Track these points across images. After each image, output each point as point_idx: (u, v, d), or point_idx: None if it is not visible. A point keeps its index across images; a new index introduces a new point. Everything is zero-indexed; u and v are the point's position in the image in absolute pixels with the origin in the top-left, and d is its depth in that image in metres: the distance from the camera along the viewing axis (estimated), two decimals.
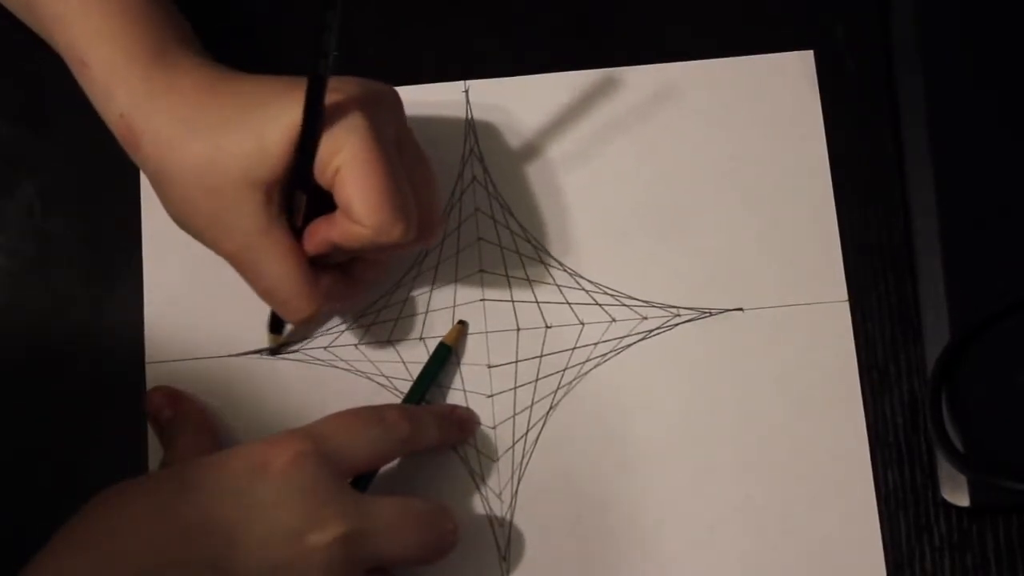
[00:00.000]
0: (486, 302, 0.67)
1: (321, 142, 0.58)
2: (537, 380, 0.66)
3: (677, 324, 0.67)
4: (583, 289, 0.67)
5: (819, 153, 0.69)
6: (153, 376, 0.66)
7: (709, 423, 0.66)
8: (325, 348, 0.67)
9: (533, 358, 0.66)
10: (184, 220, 0.61)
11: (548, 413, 0.66)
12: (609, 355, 0.66)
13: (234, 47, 0.64)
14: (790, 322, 0.67)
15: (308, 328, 0.66)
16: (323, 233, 0.60)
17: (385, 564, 0.59)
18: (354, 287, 0.64)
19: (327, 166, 0.58)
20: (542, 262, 0.68)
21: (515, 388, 0.66)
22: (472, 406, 0.66)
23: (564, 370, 0.66)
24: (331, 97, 0.57)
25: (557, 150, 0.69)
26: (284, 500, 0.56)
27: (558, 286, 0.67)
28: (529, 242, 0.68)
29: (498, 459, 0.65)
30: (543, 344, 0.67)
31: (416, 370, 0.66)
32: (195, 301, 0.67)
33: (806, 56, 0.70)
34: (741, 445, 0.65)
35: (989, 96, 0.68)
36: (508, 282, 0.67)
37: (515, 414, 0.66)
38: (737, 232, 0.68)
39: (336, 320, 0.67)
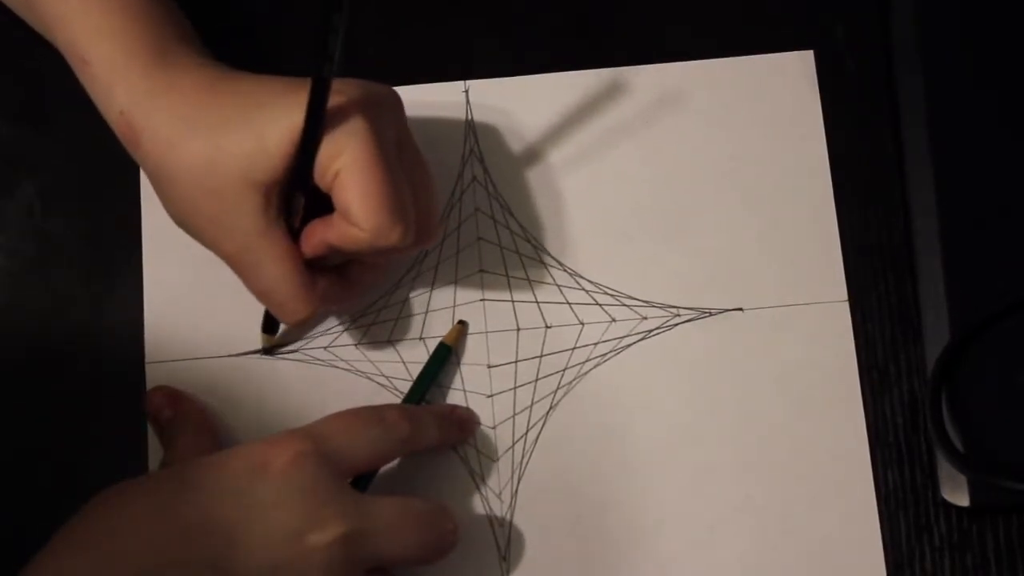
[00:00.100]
0: (486, 302, 0.67)
1: (322, 145, 0.58)
2: (537, 380, 0.66)
3: (677, 324, 0.67)
4: (583, 289, 0.67)
5: (819, 153, 0.69)
6: (153, 376, 0.66)
7: (709, 423, 0.66)
8: (325, 348, 0.67)
9: (533, 358, 0.66)
10: (183, 219, 0.61)
11: (548, 413, 0.66)
12: (609, 355, 0.66)
13: (234, 47, 0.64)
14: (790, 322, 0.67)
15: (302, 329, 0.66)
16: (320, 235, 0.60)
17: (385, 564, 0.59)
18: (350, 290, 0.64)
19: (327, 169, 0.58)
20: (542, 262, 0.68)
21: (515, 388, 0.66)
22: (472, 406, 0.66)
23: (564, 370, 0.66)
24: (332, 99, 0.57)
25: (557, 150, 0.69)
26: (284, 500, 0.56)
27: (558, 286, 0.67)
28: (529, 242, 0.68)
29: (498, 459, 0.65)
30: (543, 344, 0.67)
31: (416, 370, 0.66)
32: (195, 301, 0.67)
33: (806, 56, 0.70)
34: (741, 445, 0.65)
35: (989, 96, 0.68)
36: (508, 282, 0.67)
37: (515, 414, 0.66)
38: (737, 232, 0.68)
39: (336, 320, 0.67)
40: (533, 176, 0.69)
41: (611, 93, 0.69)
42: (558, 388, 0.66)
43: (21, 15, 0.65)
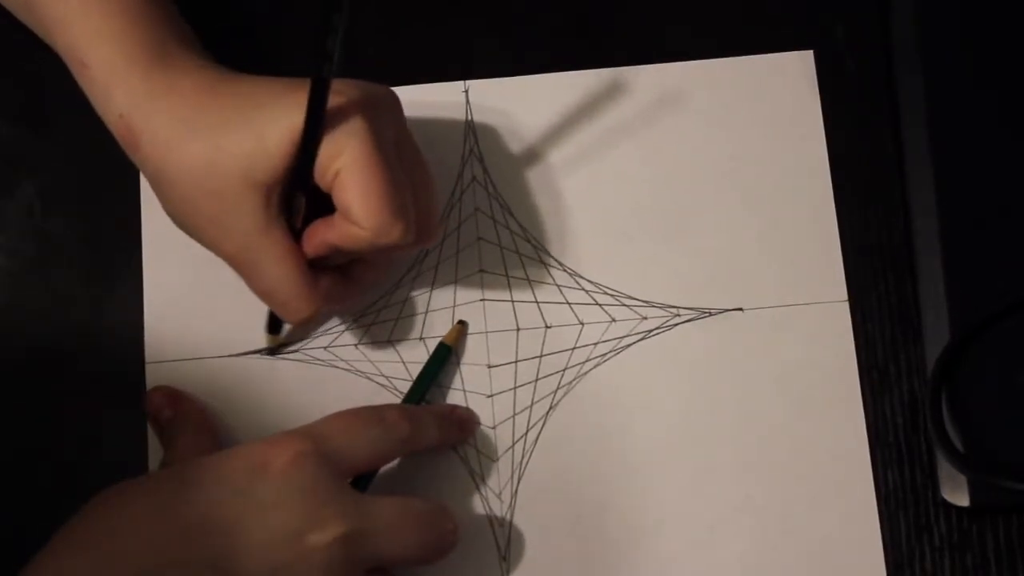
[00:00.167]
0: (486, 302, 0.67)
1: (321, 145, 0.58)
2: (537, 380, 0.66)
3: (677, 324, 0.67)
4: (583, 289, 0.67)
5: (819, 153, 0.69)
6: (153, 376, 0.66)
7: (709, 423, 0.66)
8: (325, 348, 0.67)
9: (533, 358, 0.66)
10: (184, 221, 0.61)
11: (548, 413, 0.66)
12: (609, 355, 0.66)
13: (234, 47, 0.64)
14: (790, 322, 0.67)
15: (306, 329, 0.66)
16: (322, 235, 0.60)
17: (385, 564, 0.59)
18: (353, 288, 0.64)
19: (327, 169, 0.58)
20: (542, 262, 0.68)
21: (515, 388, 0.66)
22: (472, 406, 0.66)
23: (564, 370, 0.66)
24: (332, 100, 0.57)
25: (557, 150, 0.69)
26: (284, 500, 0.56)
27: (558, 286, 0.67)
28: (529, 242, 0.68)
29: (498, 459, 0.65)
30: (543, 344, 0.67)
31: (416, 370, 0.66)
32: (195, 301, 0.67)
33: (806, 56, 0.70)
34: (741, 445, 0.65)
35: (989, 96, 0.68)
36: (508, 282, 0.67)
37: (515, 414, 0.66)
38: (737, 232, 0.68)
39: (336, 320, 0.67)
40: (533, 176, 0.69)
41: (611, 93, 0.69)
42: (558, 388, 0.66)
43: (20, 18, 0.65)
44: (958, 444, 0.64)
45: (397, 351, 0.66)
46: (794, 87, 0.69)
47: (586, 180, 0.68)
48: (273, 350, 0.66)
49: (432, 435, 0.63)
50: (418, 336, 0.67)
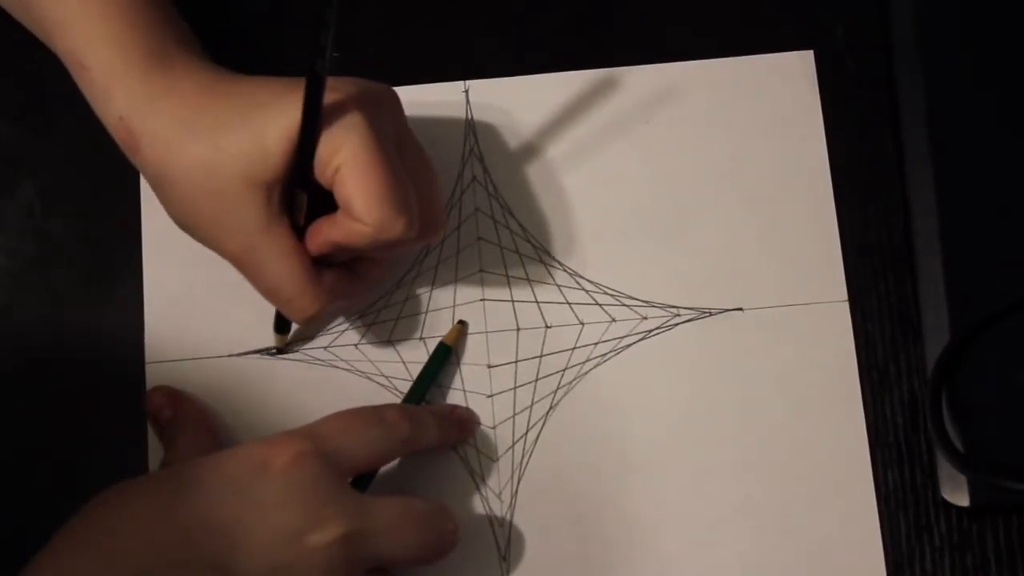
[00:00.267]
0: (486, 302, 0.67)
1: (320, 142, 0.58)
2: (537, 380, 0.66)
3: (677, 324, 0.67)
4: (583, 289, 0.67)
5: (819, 153, 0.69)
6: (153, 376, 0.66)
7: (709, 423, 0.66)
8: (325, 348, 0.67)
9: (533, 358, 0.66)
10: (185, 222, 0.61)
11: (548, 413, 0.66)
12: (609, 355, 0.66)
13: (234, 47, 0.65)
14: (790, 322, 0.67)
15: (313, 327, 0.66)
16: (325, 233, 0.60)
17: (385, 564, 0.59)
18: (358, 285, 0.64)
19: (327, 165, 0.58)
20: (542, 262, 0.68)
21: (515, 388, 0.66)
22: (472, 406, 0.66)
23: (564, 370, 0.66)
24: (329, 97, 0.57)
25: (557, 150, 0.69)
26: (284, 500, 0.56)
27: (558, 286, 0.67)
28: (529, 242, 0.68)
29: (498, 459, 0.65)
30: (543, 344, 0.67)
31: (416, 370, 0.66)
32: (195, 301, 0.67)
33: (806, 56, 0.70)
34: (741, 445, 0.65)
35: (989, 96, 0.68)
36: (508, 282, 0.67)
37: (515, 414, 0.66)
38: (737, 232, 0.68)
39: (336, 320, 0.67)
40: (533, 176, 0.69)
41: (611, 93, 0.69)
42: (558, 388, 0.66)
43: (19, 19, 0.65)
44: (958, 444, 0.64)
45: (397, 351, 0.66)
46: (794, 87, 0.69)
47: (586, 180, 0.68)
48: (281, 349, 0.66)
49: (432, 435, 0.63)
50: (418, 336, 0.67)
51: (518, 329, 0.67)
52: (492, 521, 0.64)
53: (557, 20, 0.71)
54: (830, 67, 0.70)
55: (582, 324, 0.67)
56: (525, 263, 0.68)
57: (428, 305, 0.67)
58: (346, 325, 0.67)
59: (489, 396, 0.66)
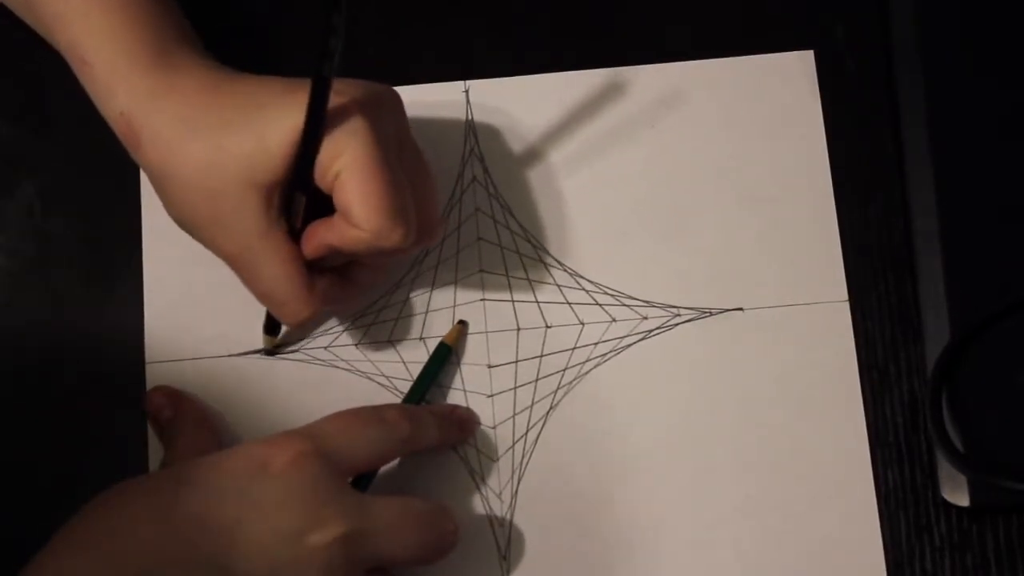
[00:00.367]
0: (486, 302, 0.67)
1: (322, 146, 0.58)
2: (537, 380, 0.66)
3: (677, 324, 0.67)
4: (583, 289, 0.67)
5: (819, 153, 0.69)
6: (153, 376, 0.66)
7: (709, 423, 0.66)
8: (325, 348, 0.67)
9: (533, 358, 0.66)
10: (184, 221, 0.61)
11: (548, 413, 0.66)
12: (609, 355, 0.66)
13: (234, 47, 0.64)
14: (790, 322, 0.67)
15: (304, 330, 0.66)
16: (321, 236, 0.60)
17: (385, 564, 0.59)
18: (351, 290, 0.64)
19: (328, 170, 0.58)
20: (542, 262, 0.68)
21: (515, 388, 0.66)
22: (472, 406, 0.66)
23: (564, 370, 0.66)
24: (333, 100, 0.57)
25: (557, 150, 0.69)
26: (284, 500, 0.56)
27: (558, 286, 0.67)
28: (529, 242, 0.68)
29: (498, 459, 0.65)
30: (543, 344, 0.67)
31: (416, 370, 0.66)
32: (195, 301, 0.67)
33: (806, 56, 0.70)
34: (741, 445, 0.65)
35: (989, 96, 0.68)
36: (508, 282, 0.67)
37: (515, 414, 0.66)
38: (737, 232, 0.68)
39: (336, 320, 0.67)
40: (533, 176, 0.69)
41: (611, 93, 0.69)
42: (558, 388, 0.66)
43: (21, 15, 0.65)
44: (958, 444, 0.64)
45: (397, 351, 0.66)
46: (794, 87, 0.69)
47: (586, 180, 0.68)
48: (271, 351, 0.66)
49: (432, 435, 0.63)
50: (418, 336, 0.67)
51: (518, 329, 0.67)
52: (492, 521, 0.64)
53: (557, 20, 0.71)
54: (830, 67, 0.70)
55: (582, 324, 0.67)
56: (525, 263, 0.68)
57: (428, 305, 0.67)
58: (346, 325, 0.67)
59: (489, 396, 0.66)
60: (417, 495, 0.62)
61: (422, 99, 0.68)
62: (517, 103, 0.69)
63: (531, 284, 0.67)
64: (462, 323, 0.67)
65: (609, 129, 0.69)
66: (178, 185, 0.60)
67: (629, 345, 0.66)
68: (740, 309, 0.67)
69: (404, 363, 0.66)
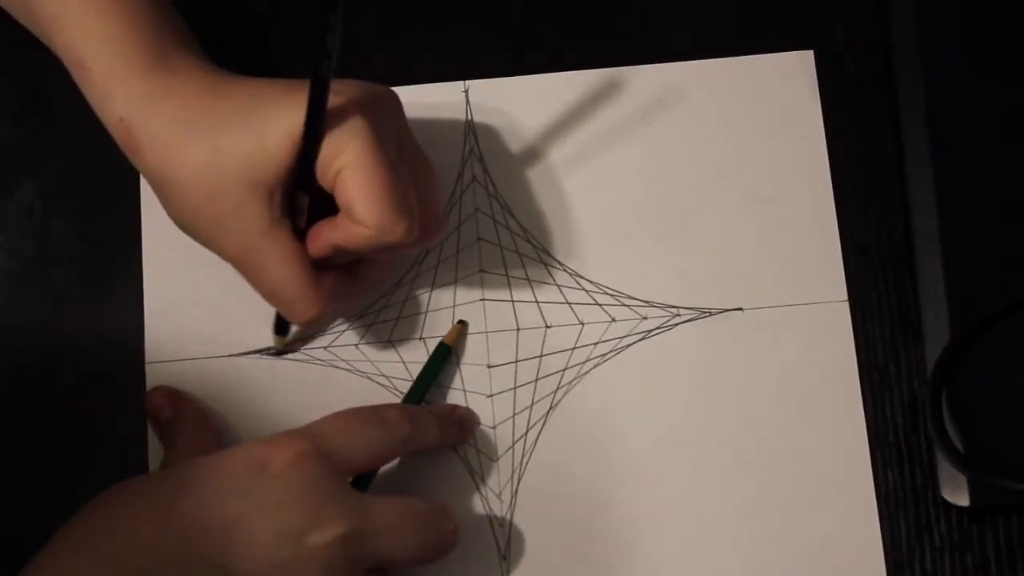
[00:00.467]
0: (486, 302, 0.67)
1: (322, 144, 0.58)
2: (537, 380, 0.66)
3: (677, 324, 0.67)
4: (583, 289, 0.67)
5: (819, 153, 0.69)
6: (153, 376, 0.66)
7: (709, 423, 0.66)
8: (325, 348, 0.67)
9: (533, 358, 0.66)
10: (186, 223, 0.61)
11: (548, 413, 0.66)
12: (609, 355, 0.66)
13: (234, 47, 0.65)
14: (790, 322, 0.67)
15: (313, 329, 0.66)
16: (326, 236, 0.60)
17: (385, 564, 0.59)
18: (358, 287, 0.64)
19: (328, 169, 0.58)
20: (542, 262, 0.68)
21: (515, 388, 0.66)
22: (472, 406, 0.66)
23: (564, 370, 0.66)
24: (332, 100, 0.57)
25: (557, 150, 0.69)
26: (284, 500, 0.56)
27: (558, 286, 0.67)
28: (529, 242, 0.68)
29: (498, 459, 0.65)
30: (543, 344, 0.67)
31: (416, 370, 0.66)
32: (195, 301, 0.67)
33: (806, 56, 0.70)
34: (741, 445, 0.65)
35: (989, 96, 0.68)
36: (508, 282, 0.67)
37: (515, 414, 0.66)
38: (737, 232, 0.68)
39: (336, 321, 0.67)
40: (533, 176, 0.69)
41: (611, 93, 0.69)
42: (558, 388, 0.66)
43: (18, 18, 0.65)
44: (958, 444, 0.64)
45: (397, 351, 0.66)
46: (794, 87, 0.69)
47: (586, 180, 0.68)
48: (281, 351, 0.66)
49: (432, 435, 0.63)
50: (418, 336, 0.67)
51: (518, 329, 0.67)
52: (492, 521, 0.64)
53: (557, 20, 0.71)
54: (830, 67, 0.70)
55: (582, 324, 0.67)
56: (525, 263, 0.68)
57: (428, 305, 0.67)
58: (346, 325, 0.67)
59: (489, 396, 0.66)
60: (417, 495, 0.62)
61: (422, 99, 0.68)
62: (517, 103, 0.69)
63: (531, 284, 0.67)
64: (462, 323, 0.67)
65: (609, 129, 0.69)
66: (178, 188, 0.60)
67: (629, 345, 0.66)
68: (740, 309, 0.67)
69: (404, 363, 0.66)
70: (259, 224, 0.59)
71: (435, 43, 0.70)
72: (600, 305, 0.67)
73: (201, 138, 0.59)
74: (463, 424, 0.65)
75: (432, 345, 0.66)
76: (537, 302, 0.67)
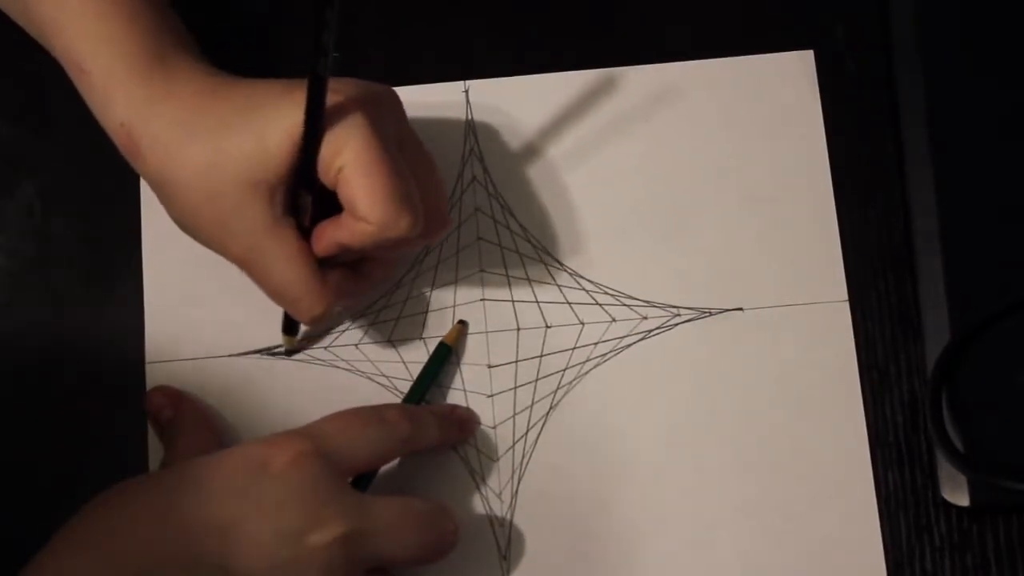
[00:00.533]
0: (486, 302, 0.67)
1: (323, 143, 0.58)
2: (537, 380, 0.66)
3: (677, 324, 0.67)
4: (583, 289, 0.67)
5: (819, 153, 0.69)
6: (153, 376, 0.66)
7: (709, 423, 0.66)
8: (325, 348, 0.67)
9: (533, 358, 0.66)
10: (188, 225, 0.61)
11: (548, 413, 0.66)
12: (609, 355, 0.66)
13: (234, 47, 0.65)
14: (790, 322, 0.67)
15: (320, 327, 0.66)
16: (330, 234, 0.60)
17: (385, 564, 0.59)
18: (363, 284, 0.64)
19: (329, 166, 0.58)
20: (542, 262, 0.68)
21: (515, 388, 0.66)
22: (472, 406, 0.66)
23: (564, 370, 0.66)
24: (331, 98, 0.57)
25: (557, 150, 0.69)
26: (284, 500, 0.56)
27: (558, 286, 0.67)
28: (529, 242, 0.68)
29: (498, 459, 0.65)
30: (543, 344, 0.67)
31: (416, 370, 0.66)
32: (195, 301, 0.67)
33: (806, 56, 0.70)
34: (741, 445, 0.65)
35: (989, 97, 0.68)
36: (508, 282, 0.67)
37: (515, 414, 0.66)
38: (737, 232, 0.68)
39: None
40: (533, 176, 0.69)
41: (611, 93, 0.69)
42: (558, 388, 0.66)
43: (17, 20, 0.65)
44: (958, 444, 0.64)
45: (397, 351, 0.66)
46: (794, 87, 0.69)
47: (586, 180, 0.68)
48: (292, 351, 0.66)
49: (432, 435, 0.63)
50: (418, 336, 0.67)
51: (518, 329, 0.67)
52: (492, 521, 0.64)
53: (557, 20, 0.71)
54: (830, 67, 0.70)
55: (582, 324, 0.67)
56: (525, 263, 0.68)
57: (428, 305, 0.67)
58: (346, 325, 0.67)
59: (489, 396, 0.66)
60: (417, 495, 0.62)
61: (422, 99, 0.68)
62: (517, 103, 0.69)
63: (531, 284, 0.67)
64: (462, 323, 0.67)
65: (609, 129, 0.69)
66: (179, 189, 0.60)
67: (629, 345, 0.67)
68: (740, 309, 0.67)
69: (404, 363, 0.66)
70: (261, 223, 0.59)
71: (435, 43, 0.70)
72: (600, 305, 0.67)
73: (201, 139, 0.59)
74: (463, 424, 0.65)
75: (432, 345, 0.66)
76: (537, 302, 0.67)
